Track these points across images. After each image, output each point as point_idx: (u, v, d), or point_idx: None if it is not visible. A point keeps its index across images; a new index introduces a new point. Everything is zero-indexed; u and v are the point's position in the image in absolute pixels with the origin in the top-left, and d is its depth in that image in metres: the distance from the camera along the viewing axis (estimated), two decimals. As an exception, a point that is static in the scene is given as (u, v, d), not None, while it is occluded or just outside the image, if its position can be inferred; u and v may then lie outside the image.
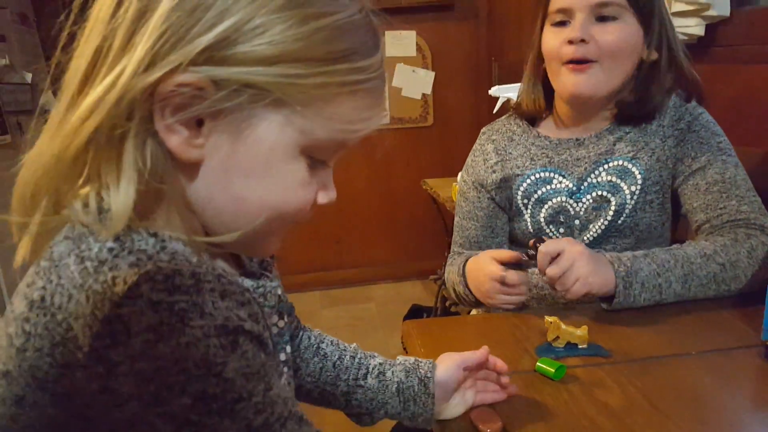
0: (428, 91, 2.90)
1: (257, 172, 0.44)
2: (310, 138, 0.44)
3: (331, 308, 2.86)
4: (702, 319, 0.83)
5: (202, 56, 0.40)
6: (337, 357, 0.69)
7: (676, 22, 1.39)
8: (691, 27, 1.38)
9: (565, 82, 0.96)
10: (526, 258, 0.85)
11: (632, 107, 0.98)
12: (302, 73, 0.42)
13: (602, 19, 0.93)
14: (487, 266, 0.90)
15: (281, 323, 0.57)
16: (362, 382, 0.67)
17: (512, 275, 0.86)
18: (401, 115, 2.93)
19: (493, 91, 1.81)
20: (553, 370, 0.71)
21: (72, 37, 0.43)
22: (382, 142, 2.95)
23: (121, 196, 0.40)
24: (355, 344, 0.72)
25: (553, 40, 0.97)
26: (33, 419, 0.39)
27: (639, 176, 0.97)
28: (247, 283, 0.50)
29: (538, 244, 0.83)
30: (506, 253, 0.89)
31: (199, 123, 0.42)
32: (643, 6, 0.93)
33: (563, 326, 0.77)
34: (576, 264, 0.80)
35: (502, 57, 2.71)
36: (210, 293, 0.38)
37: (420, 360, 0.68)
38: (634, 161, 0.98)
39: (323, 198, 0.49)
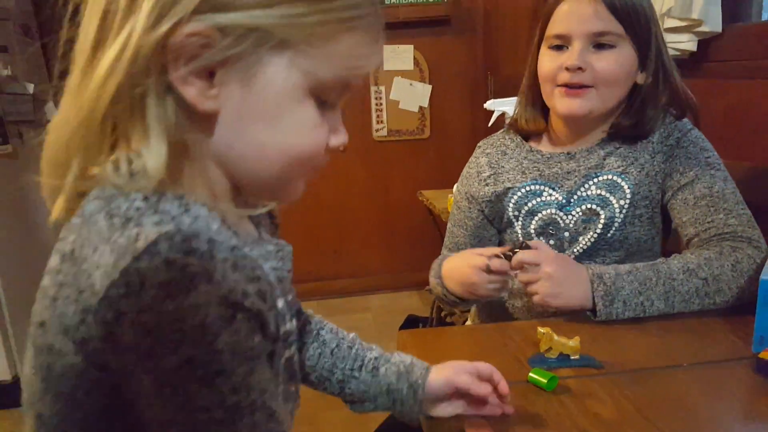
0: (425, 104, 2.92)
1: (270, 116, 0.46)
2: (315, 79, 0.46)
3: (327, 318, 2.78)
4: (694, 331, 0.84)
5: (206, 5, 0.41)
6: (335, 345, 0.70)
7: (669, 38, 1.41)
8: (684, 43, 1.40)
9: (559, 104, 0.98)
10: (509, 254, 0.88)
11: (628, 130, 1.00)
12: (302, 12, 0.43)
13: (599, 46, 0.94)
14: (472, 259, 0.92)
15: (290, 296, 0.58)
16: (356, 374, 0.68)
17: (496, 262, 0.89)
18: (399, 128, 2.95)
19: (488, 104, 1.83)
20: (545, 381, 0.71)
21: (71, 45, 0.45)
22: (380, 152, 2.97)
23: (153, 153, 0.42)
24: (354, 334, 0.73)
25: (549, 63, 0.98)
26: (63, 367, 0.41)
27: (628, 190, 0.99)
28: (269, 247, 0.51)
29: (523, 247, 0.88)
30: (488, 250, 0.92)
31: (211, 74, 0.44)
32: (641, 35, 0.95)
33: (556, 337, 0.78)
34: (543, 282, 0.85)
35: (498, 71, 2.74)
36: (222, 262, 0.39)
37: (415, 362, 0.68)
38: (623, 176, 0.99)
39: (335, 140, 0.50)
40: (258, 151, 0.47)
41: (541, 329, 0.79)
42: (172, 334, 0.37)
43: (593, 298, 0.85)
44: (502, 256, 0.89)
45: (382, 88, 2.88)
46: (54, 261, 0.43)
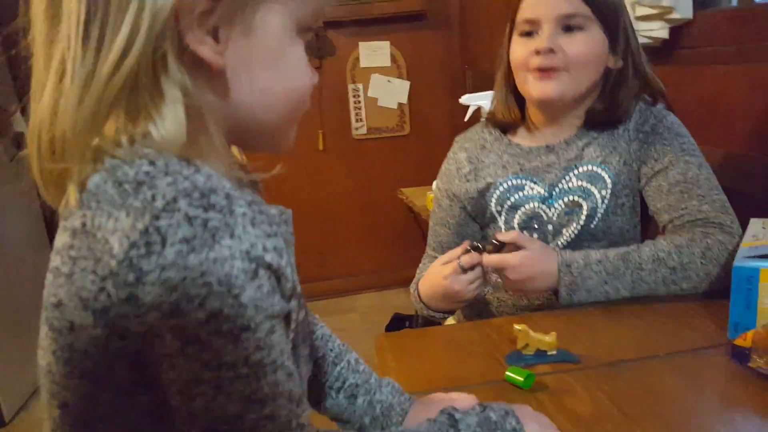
0: (404, 100, 2.91)
1: (274, 61, 0.48)
2: (298, 18, 0.48)
3: None
4: (671, 319, 0.83)
5: None
6: (321, 354, 0.68)
7: (641, 26, 1.40)
8: (656, 30, 1.39)
9: (533, 88, 0.98)
10: (476, 246, 0.92)
11: (602, 115, 1.00)
12: None
13: (568, 29, 0.95)
14: (442, 271, 0.93)
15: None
16: (333, 394, 0.66)
17: (466, 257, 0.91)
18: (378, 125, 2.93)
19: (464, 99, 1.82)
20: (522, 379, 0.70)
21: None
22: (361, 151, 2.96)
23: (171, 118, 0.42)
24: (345, 347, 0.70)
25: (521, 50, 0.98)
26: (85, 344, 0.40)
27: (609, 180, 0.98)
28: (272, 210, 0.51)
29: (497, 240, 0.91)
30: (452, 253, 0.94)
31: (215, 33, 0.44)
32: (609, 17, 0.95)
33: (532, 333, 0.77)
34: (512, 270, 0.88)
35: (476, 65, 2.73)
36: (242, 217, 0.40)
37: (395, 405, 0.65)
38: (603, 166, 0.99)
39: (315, 78, 0.52)
40: (267, 98, 0.48)
41: (517, 326, 0.78)
42: (198, 289, 0.37)
43: (559, 283, 0.88)
44: (470, 249, 0.91)
45: (360, 86, 2.87)
46: (63, 239, 0.42)
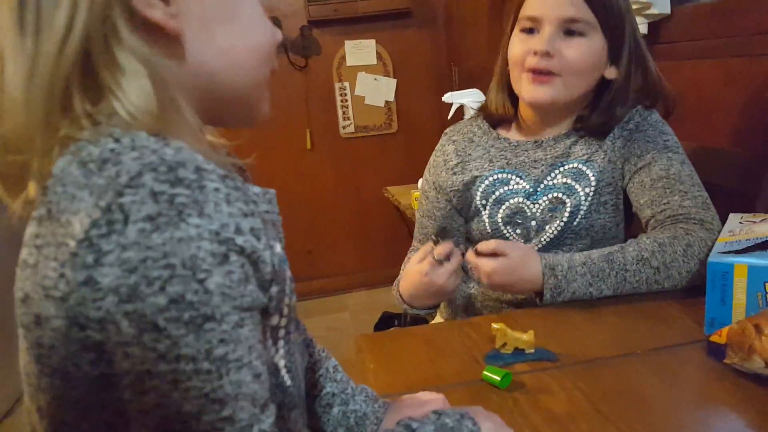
0: (391, 98, 2.90)
1: (230, 16, 0.46)
2: None
3: (305, 320, 2.74)
4: (650, 316, 0.84)
5: None
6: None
7: (621, 21, 1.41)
8: (636, 26, 1.40)
9: (525, 90, 0.98)
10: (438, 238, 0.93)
11: (597, 126, 1.00)
12: None
13: (569, 32, 0.94)
14: (420, 269, 0.93)
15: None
16: (308, 402, 0.65)
17: (438, 249, 0.91)
18: (365, 123, 2.93)
19: (446, 97, 1.82)
20: (498, 378, 0.70)
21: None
22: (349, 149, 2.95)
23: (136, 89, 0.40)
24: (324, 353, 0.69)
25: (519, 46, 0.98)
26: (50, 338, 0.38)
27: (593, 178, 0.99)
28: (255, 189, 0.48)
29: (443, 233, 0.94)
30: (423, 249, 0.94)
31: None
32: (612, 26, 0.95)
33: (510, 332, 0.77)
34: (494, 274, 0.88)
35: (462, 62, 2.73)
36: (214, 193, 0.37)
37: (369, 414, 0.64)
38: (588, 164, 0.99)
39: (278, 34, 0.51)
40: (230, 57, 0.46)
41: (495, 325, 0.78)
42: (160, 270, 0.35)
43: (543, 286, 0.87)
44: (437, 240, 0.92)
45: (347, 84, 2.86)
46: (31, 229, 0.40)
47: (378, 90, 2.88)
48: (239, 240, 0.37)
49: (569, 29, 0.94)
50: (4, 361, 2.13)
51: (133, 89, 0.40)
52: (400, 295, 1.02)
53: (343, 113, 2.90)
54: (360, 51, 2.81)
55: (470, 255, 0.91)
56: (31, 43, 0.39)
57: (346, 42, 2.80)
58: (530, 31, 0.96)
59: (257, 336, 0.41)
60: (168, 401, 0.37)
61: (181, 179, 0.36)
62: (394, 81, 2.88)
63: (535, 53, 0.94)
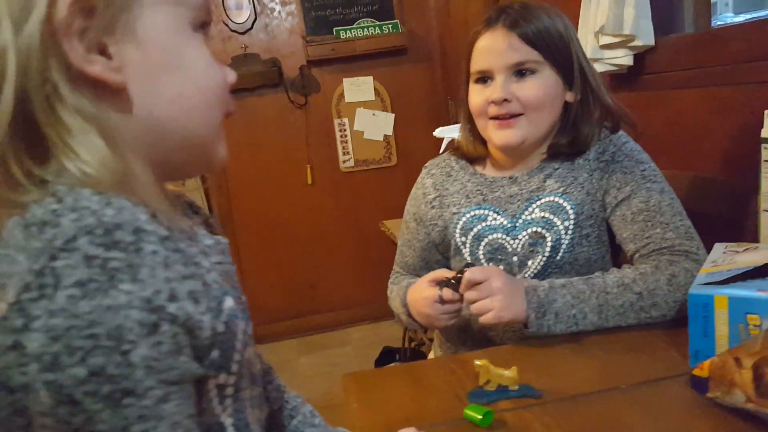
0: (390, 132, 2.94)
1: (175, 63, 0.45)
2: (188, 11, 0.45)
3: (308, 355, 2.81)
4: (634, 349, 0.83)
5: None
6: (276, 408, 0.65)
7: (606, 54, 1.43)
8: (620, 57, 1.42)
9: (494, 135, 0.99)
10: (453, 282, 0.90)
11: (566, 148, 1.00)
12: None
13: (521, 73, 0.96)
14: (425, 291, 0.94)
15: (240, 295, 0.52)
16: None
17: (447, 292, 0.90)
18: (365, 158, 2.96)
19: (438, 132, 1.85)
20: (480, 417, 0.69)
21: None
22: (349, 183, 2.97)
23: (83, 149, 0.39)
24: (300, 399, 0.68)
25: (477, 97, 1.00)
26: None
27: (571, 211, 0.98)
28: (207, 241, 0.48)
29: (466, 270, 0.89)
30: (441, 272, 0.94)
31: (102, 49, 0.42)
32: (559, 57, 0.96)
33: (493, 369, 0.76)
34: (493, 297, 0.85)
35: (458, 96, 2.76)
36: (151, 256, 0.36)
37: None
38: (564, 196, 0.99)
39: (231, 75, 0.49)
40: (179, 105, 0.45)
41: (478, 362, 0.77)
42: (83, 340, 0.34)
43: (527, 306, 0.86)
44: (452, 281, 0.90)
45: (346, 120, 2.90)
46: None
47: (376, 124, 2.92)
48: (172, 308, 0.37)
49: (519, 70, 0.96)
50: None
51: (82, 148, 0.39)
52: (405, 296, 1.02)
53: (343, 148, 2.94)
54: (358, 87, 2.87)
55: (473, 293, 0.87)
56: None
57: (345, 79, 2.86)
58: (484, 80, 0.98)
59: (186, 411, 0.39)
60: None
61: (117, 242, 0.36)
62: (392, 115, 2.92)
63: (493, 102, 0.96)
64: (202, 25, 0.47)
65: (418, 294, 0.97)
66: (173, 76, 0.45)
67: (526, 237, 1.00)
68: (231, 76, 0.50)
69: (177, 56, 0.45)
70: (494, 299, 0.85)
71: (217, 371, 0.43)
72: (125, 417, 0.35)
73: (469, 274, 0.87)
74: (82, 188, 0.39)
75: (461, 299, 0.90)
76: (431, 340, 1.34)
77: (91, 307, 0.34)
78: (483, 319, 0.85)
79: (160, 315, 0.36)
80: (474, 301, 0.86)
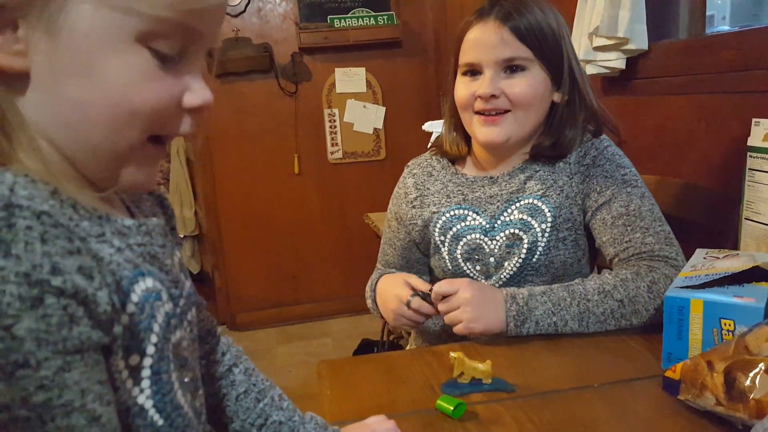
0: (380, 125, 2.93)
1: (84, 69, 0.41)
2: (140, 22, 0.41)
3: (287, 345, 2.80)
4: (609, 349, 0.83)
5: None
6: (243, 390, 0.64)
7: (599, 56, 1.43)
8: (613, 61, 1.42)
9: (478, 132, 0.98)
10: (425, 295, 0.91)
11: (549, 150, 1.00)
12: None
13: (510, 69, 0.95)
14: (399, 288, 0.95)
15: (173, 276, 0.50)
16: (254, 431, 0.64)
17: (417, 301, 0.91)
18: (354, 150, 2.95)
19: (426, 126, 1.84)
20: (452, 408, 0.69)
21: None
22: (336, 175, 2.96)
23: None
24: (269, 382, 0.68)
25: (463, 90, 0.98)
26: None
27: (549, 214, 0.98)
28: (126, 221, 0.46)
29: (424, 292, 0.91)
30: (420, 282, 0.94)
31: (15, 27, 0.39)
32: (550, 56, 0.95)
33: (467, 361, 0.76)
34: (463, 308, 0.85)
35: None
36: (25, 231, 0.35)
37: None
38: (543, 199, 0.98)
39: (191, 99, 0.45)
40: (81, 112, 0.41)
41: (453, 354, 0.77)
42: None
43: (506, 318, 0.85)
44: (426, 294, 0.91)
45: (336, 111, 2.89)
46: None
47: (367, 117, 2.91)
48: (56, 281, 0.36)
49: (509, 66, 0.94)
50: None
51: None
52: (376, 284, 1.05)
53: (332, 139, 2.92)
54: (350, 78, 2.85)
55: (444, 305, 0.87)
56: None
57: (336, 69, 2.84)
58: (472, 73, 0.97)
59: (95, 377, 0.39)
60: None
61: None
62: (383, 108, 2.91)
63: (481, 97, 0.95)
64: (157, 37, 0.42)
65: (391, 287, 0.97)
66: (80, 80, 0.41)
67: (504, 238, 0.99)
68: (190, 99, 0.45)
69: (89, 62, 0.41)
70: (464, 311, 0.85)
71: (126, 351, 0.42)
72: (23, 388, 0.35)
73: (437, 287, 0.88)
74: None
75: (436, 311, 0.90)
76: (409, 333, 1.34)
77: None
78: (455, 330, 0.86)
79: (43, 287, 0.35)
80: (446, 313, 0.87)
